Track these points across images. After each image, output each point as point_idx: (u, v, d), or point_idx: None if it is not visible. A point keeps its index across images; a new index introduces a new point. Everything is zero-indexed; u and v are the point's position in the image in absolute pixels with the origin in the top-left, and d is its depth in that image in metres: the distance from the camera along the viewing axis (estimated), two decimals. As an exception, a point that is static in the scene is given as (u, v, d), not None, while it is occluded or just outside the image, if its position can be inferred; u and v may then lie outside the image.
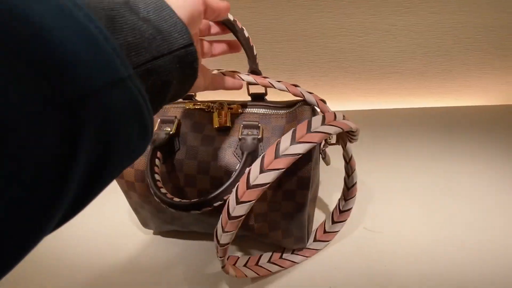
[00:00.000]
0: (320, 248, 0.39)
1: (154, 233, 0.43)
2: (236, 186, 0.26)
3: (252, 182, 0.25)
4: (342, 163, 0.36)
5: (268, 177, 0.25)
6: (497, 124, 0.60)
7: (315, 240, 0.39)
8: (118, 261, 0.39)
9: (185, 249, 0.40)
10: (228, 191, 0.28)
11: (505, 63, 0.62)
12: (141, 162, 0.34)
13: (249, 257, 0.37)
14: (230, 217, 0.26)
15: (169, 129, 0.33)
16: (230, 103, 0.35)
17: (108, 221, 0.45)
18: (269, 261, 0.37)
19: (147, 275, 0.37)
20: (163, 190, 0.30)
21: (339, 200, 0.40)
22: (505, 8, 0.55)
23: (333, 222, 0.39)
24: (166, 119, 0.35)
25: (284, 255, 0.38)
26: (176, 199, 0.29)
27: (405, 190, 0.47)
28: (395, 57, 0.64)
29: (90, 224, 0.44)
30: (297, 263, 0.38)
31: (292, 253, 0.38)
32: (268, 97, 0.36)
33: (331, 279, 0.36)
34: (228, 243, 0.28)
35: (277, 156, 0.26)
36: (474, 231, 0.40)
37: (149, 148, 0.32)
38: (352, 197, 0.38)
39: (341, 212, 0.39)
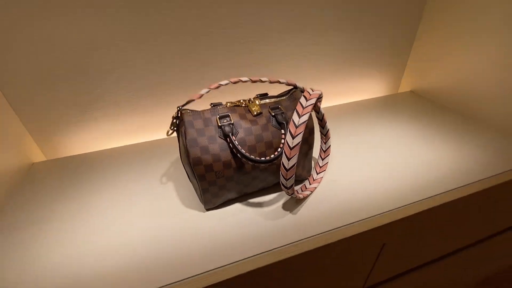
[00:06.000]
0: (322, 176, 0.62)
1: (208, 210, 0.56)
2: (286, 141, 0.45)
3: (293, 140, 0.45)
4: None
5: (299, 138, 0.44)
6: (377, 108, 0.97)
7: (317, 173, 0.62)
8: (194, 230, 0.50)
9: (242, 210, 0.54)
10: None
11: (369, 72, 1.02)
12: (215, 147, 0.48)
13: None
14: (291, 148, 0.44)
15: (226, 121, 0.49)
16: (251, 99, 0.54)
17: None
18: (302, 190, 0.58)
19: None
20: (253, 156, 0.48)
21: (320, 145, 0.63)
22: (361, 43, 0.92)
23: (322, 159, 0.64)
24: (222, 115, 0.50)
25: (307, 186, 0.60)
26: (263, 158, 0.48)
27: (345, 153, 0.73)
28: (313, 76, 0.92)
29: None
30: (316, 187, 0.59)
31: (310, 184, 0.60)
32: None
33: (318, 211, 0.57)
34: (294, 164, 0.44)
35: (296, 126, 0.45)
36: (389, 166, 0.69)
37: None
38: (328, 139, 0.62)
39: (324, 151, 0.63)
